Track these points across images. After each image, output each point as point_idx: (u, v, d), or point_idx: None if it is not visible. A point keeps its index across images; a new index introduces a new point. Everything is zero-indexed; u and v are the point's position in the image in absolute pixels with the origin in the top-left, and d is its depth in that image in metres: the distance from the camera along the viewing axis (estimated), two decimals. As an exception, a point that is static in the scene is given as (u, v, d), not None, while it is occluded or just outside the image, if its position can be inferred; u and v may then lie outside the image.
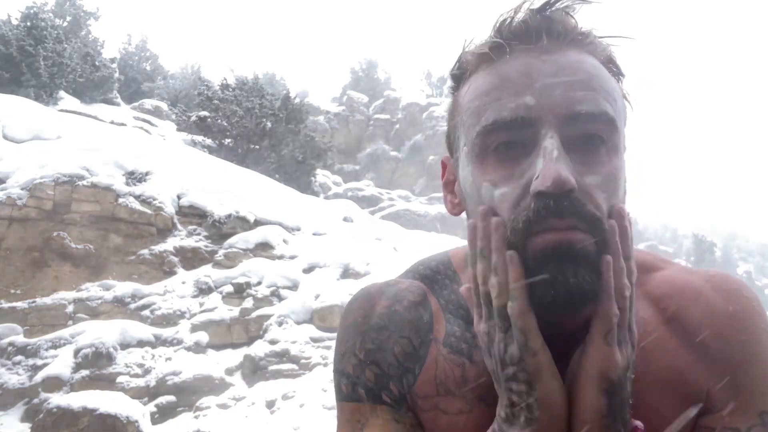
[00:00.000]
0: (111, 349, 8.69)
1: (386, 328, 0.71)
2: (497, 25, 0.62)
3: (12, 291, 9.51)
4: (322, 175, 23.34)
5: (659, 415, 0.62)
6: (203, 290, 10.27)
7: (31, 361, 8.60)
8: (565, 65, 0.58)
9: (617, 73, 0.64)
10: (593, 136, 0.58)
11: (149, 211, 10.78)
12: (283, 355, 9.03)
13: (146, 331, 9.23)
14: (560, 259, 0.54)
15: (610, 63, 0.63)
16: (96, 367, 8.52)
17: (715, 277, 0.69)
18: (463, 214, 0.69)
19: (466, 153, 0.63)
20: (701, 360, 0.64)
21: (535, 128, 0.57)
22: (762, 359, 0.64)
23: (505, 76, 0.59)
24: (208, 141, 19.85)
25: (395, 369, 0.69)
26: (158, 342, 9.22)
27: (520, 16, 0.60)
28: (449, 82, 0.71)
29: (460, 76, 0.67)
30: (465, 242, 0.73)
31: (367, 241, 12.11)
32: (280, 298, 10.02)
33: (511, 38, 0.60)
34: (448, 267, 0.77)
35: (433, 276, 0.76)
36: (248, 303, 9.93)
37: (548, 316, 0.57)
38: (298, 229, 12.08)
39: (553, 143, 0.55)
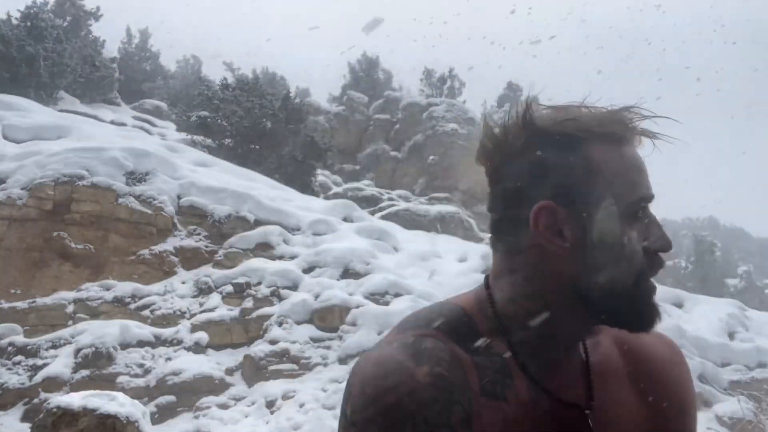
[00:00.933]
0: (111, 349, 8.69)
1: (437, 401, 0.69)
2: (619, 117, 0.78)
3: (12, 291, 9.51)
4: (322, 175, 23.31)
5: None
6: (203, 290, 10.27)
7: (31, 361, 8.60)
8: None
9: None
10: None
11: (149, 211, 10.78)
12: (283, 355, 9.03)
13: (146, 331, 9.23)
14: (657, 302, 0.78)
15: None
16: (96, 367, 8.52)
17: (663, 335, 0.92)
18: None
19: (613, 212, 0.75)
20: (657, 396, 0.83)
21: (648, 205, 0.79)
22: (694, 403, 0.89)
23: (639, 162, 0.80)
24: (208, 141, 19.83)
25: None
26: (158, 342, 9.22)
27: (635, 116, 0.78)
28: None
29: (579, 137, 0.77)
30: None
31: (367, 241, 12.10)
32: (280, 298, 10.02)
33: (634, 131, 0.79)
34: (462, 316, 0.80)
35: (458, 330, 0.78)
36: (248, 303, 9.93)
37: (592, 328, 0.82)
38: (298, 229, 12.07)
39: (657, 218, 0.79)
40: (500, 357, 0.75)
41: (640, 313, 0.76)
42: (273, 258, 10.98)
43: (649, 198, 0.78)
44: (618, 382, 0.82)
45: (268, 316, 9.66)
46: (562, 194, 0.76)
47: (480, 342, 0.76)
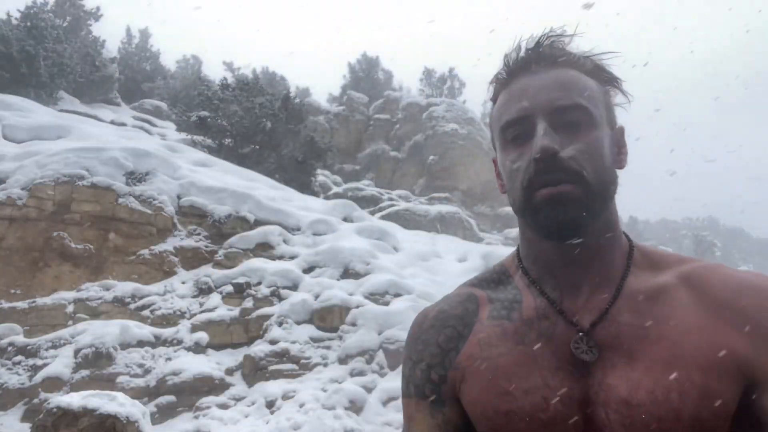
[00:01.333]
0: (111, 349, 8.68)
1: (433, 327, 0.93)
2: (505, 60, 0.89)
3: (12, 291, 9.50)
4: (322, 175, 23.30)
5: (666, 378, 0.73)
6: (203, 290, 10.27)
7: (31, 361, 8.60)
8: (548, 78, 0.84)
9: (606, 79, 0.88)
10: (573, 121, 0.81)
11: (149, 211, 10.78)
12: (283, 355, 9.03)
13: (146, 331, 9.22)
14: (554, 205, 0.78)
15: (596, 71, 0.88)
16: (96, 367, 8.51)
17: (749, 271, 0.84)
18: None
19: (497, 146, 0.90)
20: (738, 327, 0.75)
21: (532, 121, 0.82)
22: None
23: (511, 91, 0.87)
24: (208, 141, 19.82)
25: (438, 356, 0.90)
26: (158, 342, 9.22)
27: (521, 52, 0.87)
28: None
29: (493, 99, 0.93)
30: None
31: (367, 241, 12.10)
32: (280, 298, 10.02)
33: (514, 68, 0.88)
34: (499, 268, 0.97)
35: (489, 278, 0.96)
36: (248, 303, 9.93)
37: (556, 244, 0.83)
38: (298, 229, 12.07)
39: (542, 127, 0.80)
40: (517, 288, 0.90)
41: (538, 220, 0.81)
42: (273, 258, 10.97)
43: (513, 120, 0.84)
44: (662, 315, 0.78)
45: (268, 316, 9.65)
46: (494, 147, 0.94)
47: (502, 281, 0.93)
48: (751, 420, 0.72)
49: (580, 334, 0.80)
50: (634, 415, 0.73)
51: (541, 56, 0.86)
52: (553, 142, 0.78)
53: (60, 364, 8.47)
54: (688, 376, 0.72)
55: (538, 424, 0.77)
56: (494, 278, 0.95)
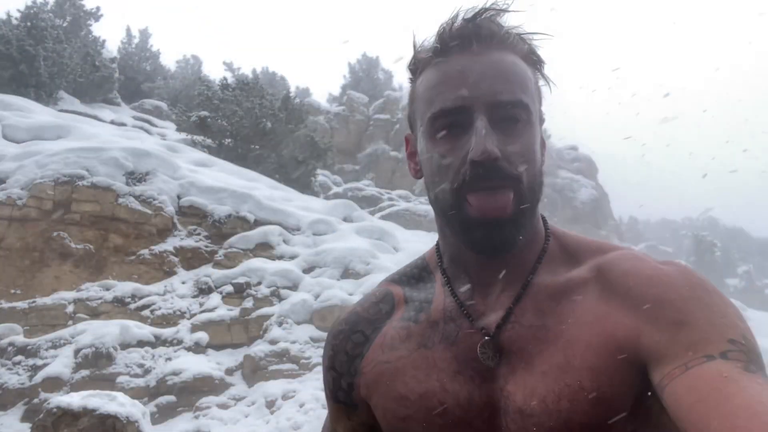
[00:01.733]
0: (111, 349, 8.69)
1: (342, 332, 0.89)
2: (439, 32, 0.78)
3: (12, 291, 9.51)
4: (322, 175, 23.30)
5: (580, 358, 0.69)
6: (203, 290, 10.27)
7: (31, 361, 8.60)
8: (489, 64, 0.75)
9: (536, 62, 0.80)
10: (512, 117, 0.74)
11: (149, 211, 10.78)
12: (283, 355, 9.03)
13: (146, 331, 9.22)
14: (490, 227, 0.72)
15: (529, 55, 0.80)
16: (96, 367, 8.52)
17: (679, 263, 0.77)
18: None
19: (422, 132, 0.80)
20: (626, 308, 0.70)
21: (470, 113, 0.74)
22: (705, 297, 0.68)
23: (447, 73, 0.76)
24: (208, 141, 19.82)
25: (346, 364, 0.87)
26: (158, 342, 9.22)
27: (456, 24, 0.77)
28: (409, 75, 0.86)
29: (415, 70, 0.83)
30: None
31: (367, 241, 12.10)
32: (280, 298, 10.02)
33: (450, 43, 0.77)
34: (420, 263, 0.92)
35: (410, 274, 0.91)
36: (248, 303, 9.93)
37: (487, 258, 0.77)
38: (298, 229, 12.07)
39: (482, 124, 0.72)
40: (434, 287, 0.85)
41: (471, 238, 0.74)
42: (273, 258, 10.97)
43: (448, 110, 0.74)
44: (563, 313, 0.73)
45: (268, 316, 9.65)
46: (410, 124, 0.87)
47: (423, 278, 0.88)
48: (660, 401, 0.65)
49: (486, 338, 0.75)
50: (527, 425, 0.69)
51: (482, 33, 0.76)
52: (494, 144, 0.71)
53: (60, 364, 8.47)
54: (579, 380, 0.68)
55: (436, 429, 0.74)
56: (415, 274, 0.90)
